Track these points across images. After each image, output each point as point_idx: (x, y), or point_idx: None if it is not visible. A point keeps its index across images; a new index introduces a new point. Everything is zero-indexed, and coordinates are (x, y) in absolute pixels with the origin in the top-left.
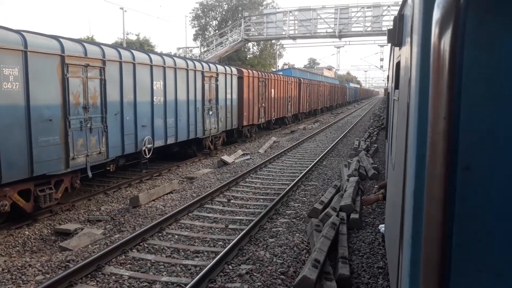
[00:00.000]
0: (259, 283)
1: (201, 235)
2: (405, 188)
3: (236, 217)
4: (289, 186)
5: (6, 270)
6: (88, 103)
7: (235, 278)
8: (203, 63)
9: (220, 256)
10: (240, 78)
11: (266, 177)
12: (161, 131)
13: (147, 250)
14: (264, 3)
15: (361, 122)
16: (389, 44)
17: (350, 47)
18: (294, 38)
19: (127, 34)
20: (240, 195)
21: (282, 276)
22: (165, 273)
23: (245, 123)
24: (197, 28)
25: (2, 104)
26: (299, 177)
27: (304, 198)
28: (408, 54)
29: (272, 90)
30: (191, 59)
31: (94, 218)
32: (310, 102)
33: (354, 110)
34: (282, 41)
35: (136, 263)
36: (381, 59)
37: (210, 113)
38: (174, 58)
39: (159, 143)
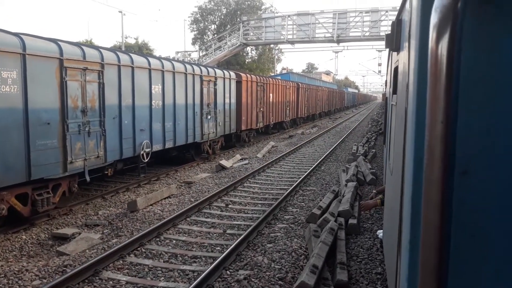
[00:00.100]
0: None
1: (199, 240)
2: (403, 192)
3: (234, 222)
4: (287, 191)
5: (3, 275)
6: (86, 106)
7: (233, 284)
8: (202, 67)
9: (218, 262)
10: (239, 83)
11: (264, 182)
12: (159, 135)
13: (144, 255)
14: (263, 7)
15: (359, 127)
16: (387, 49)
17: (348, 52)
18: (292, 42)
19: (126, 37)
20: (238, 200)
21: (280, 282)
22: (162, 278)
23: (243, 127)
24: (195, 32)
25: (0, 107)
26: (297, 182)
27: (302, 203)
28: (406, 59)
29: (271, 95)
30: (189, 63)
31: (91, 223)
32: (308, 107)
33: (352, 115)
34: (281, 46)
35: (133, 268)
36: (379, 64)
37: (209, 117)
38: (173, 62)
39: (157, 147)
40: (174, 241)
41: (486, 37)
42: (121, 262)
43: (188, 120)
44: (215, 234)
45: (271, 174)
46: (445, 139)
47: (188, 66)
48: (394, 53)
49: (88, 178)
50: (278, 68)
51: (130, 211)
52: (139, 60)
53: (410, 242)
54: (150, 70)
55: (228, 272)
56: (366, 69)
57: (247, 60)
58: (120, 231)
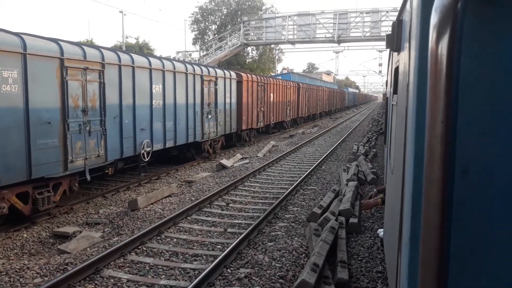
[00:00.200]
0: (258, 287)
1: (200, 238)
2: (404, 191)
3: (235, 221)
4: (288, 190)
5: (4, 273)
6: (87, 106)
7: (233, 282)
8: (202, 67)
9: (219, 260)
10: (239, 82)
11: (265, 181)
12: (160, 134)
13: (145, 253)
14: (263, 7)
15: (359, 127)
16: (388, 50)
17: (349, 52)
18: (293, 42)
19: (127, 37)
20: (239, 199)
21: (281, 280)
22: (163, 276)
23: (244, 127)
24: (196, 32)
25: (1, 106)
26: (298, 181)
27: (303, 202)
28: (406, 59)
29: (271, 95)
30: (190, 63)
31: (92, 221)
32: (309, 107)
33: (353, 115)
34: (281, 46)
35: (134, 266)
36: (380, 64)
37: (209, 117)
38: (173, 61)
39: (158, 146)
40: (175, 240)
41: (486, 37)
42: (122, 260)
43: (188, 120)
44: (215, 233)
45: (271, 173)
46: (445, 139)
47: (188, 66)
48: (395, 53)
49: (88, 177)
50: (279, 68)
51: (130, 210)
52: (140, 60)
53: (410, 241)
54: (150, 70)
55: (229, 270)
56: (367, 69)
57: (247, 60)
58: (121, 230)
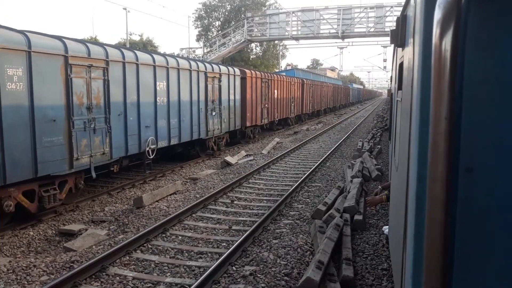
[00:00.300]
0: (262, 285)
1: (205, 236)
2: (408, 188)
3: (240, 218)
4: (293, 187)
5: (11, 271)
6: (91, 103)
7: (238, 279)
8: (206, 64)
9: (224, 257)
10: (243, 79)
11: (269, 178)
12: (164, 131)
13: (151, 251)
14: (267, 3)
15: (364, 123)
16: (392, 45)
17: (353, 48)
18: (297, 38)
19: (130, 34)
20: (243, 196)
21: (286, 278)
22: (169, 274)
23: (248, 124)
24: (200, 29)
25: (6, 104)
26: (302, 178)
27: (308, 199)
28: (411, 55)
29: (275, 91)
30: (194, 60)
31: (98, 219)
32: (313, 103)
33: (357, 111)
34: (285, 42)
35: (140, 264)
36: (384, 60)
37: (213, 113)
38: (177, 58)
39: (162, 143)
40: (180, 237)
41: (489, 33)
42: (128, 258)
43: (193, 117)
44: (220, 230)
45: (276, 170)
46: (449, 135)
47: (192, 63)
48: (399, 49)
49: (94, 175)
50: (283, 64)
51: (136, 207)
52: (143, 57)
53: (415, 238)
54: (154, 67)
55: (234, 267)
56: (371, 65)
57: (251, 57)
58: (127, 227)
